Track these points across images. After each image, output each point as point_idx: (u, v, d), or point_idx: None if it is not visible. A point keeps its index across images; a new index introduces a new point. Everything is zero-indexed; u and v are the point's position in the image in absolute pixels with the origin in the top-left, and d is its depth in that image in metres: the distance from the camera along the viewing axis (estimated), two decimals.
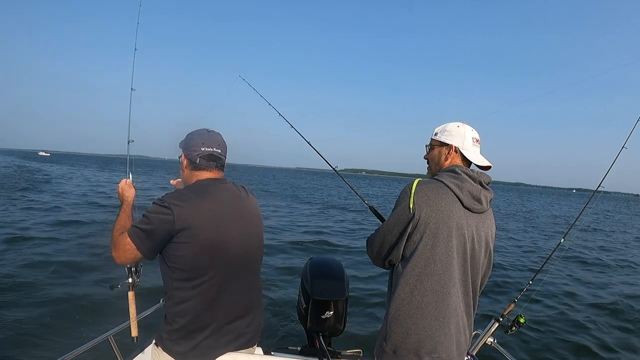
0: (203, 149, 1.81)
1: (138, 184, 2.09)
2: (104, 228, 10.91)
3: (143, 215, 1.69)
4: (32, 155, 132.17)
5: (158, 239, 1.65)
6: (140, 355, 2.46)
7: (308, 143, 2.99)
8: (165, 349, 1.73)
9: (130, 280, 2.09)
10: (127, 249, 1.68)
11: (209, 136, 1.85)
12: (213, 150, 1.82)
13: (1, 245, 8.35)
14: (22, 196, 17.16)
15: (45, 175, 32.60)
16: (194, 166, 1.83)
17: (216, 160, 1.84)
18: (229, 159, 1.93)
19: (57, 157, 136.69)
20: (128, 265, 2.05)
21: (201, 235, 1.66)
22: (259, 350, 1.93)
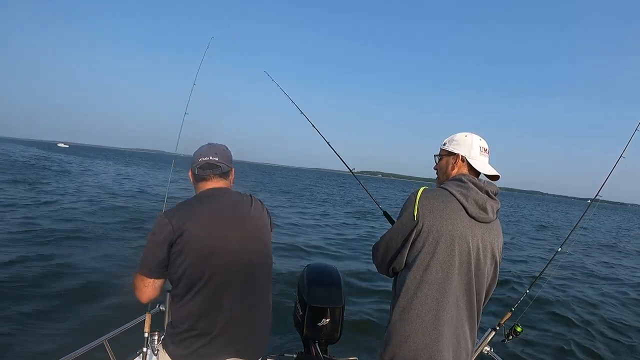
0: (201, 159, 1.87)
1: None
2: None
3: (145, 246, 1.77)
4: (51, 147, 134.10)
5: (164, 253, 1.71)
6: None
7: (327, 143, 2.95)
8: (167, 351, 1.78)
9: (145, 349, 2.15)
10: (142, 279, 1.75)
11: (209, 148, 1.91)
12: (210, 159, 1.86)
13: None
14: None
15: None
16: (196, 177, 1.89)
17: (213, 168, 1.87)
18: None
19: (76, 149, 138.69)
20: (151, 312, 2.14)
21: (197, 240, 1.70)
22: None
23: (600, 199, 2.69)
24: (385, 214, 2.43)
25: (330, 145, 2.94)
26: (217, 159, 1.87)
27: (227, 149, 1.96)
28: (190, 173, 1.93)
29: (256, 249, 1.85)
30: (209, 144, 1.94)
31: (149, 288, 1.76)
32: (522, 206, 65.63)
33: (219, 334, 1.74)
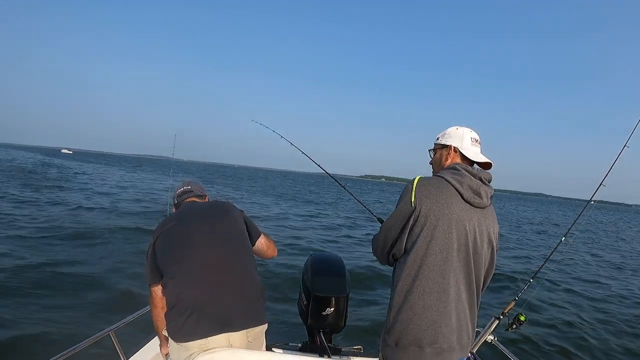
0: (178, 191, 2.33)
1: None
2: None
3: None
4: (55, 153, 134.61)
5: (154, 260, 1.99)
6: (141, 351, 2.50)
7: (318, 165, 3.32)
8: (169, 335, 1.91)
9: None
10: (152, 294, 2.03)
11: (183, 183, 2.37)
12: (184, 189, 2.31)
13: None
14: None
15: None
16: (176, 205, 2.28)
17: (188, 193, 2.30)
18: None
19: (80, 155, 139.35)
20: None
21: (170, 232, 2.00)
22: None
23: (604, 188, 2.68)
24: (380, 220, 2.46)
25: (323, 169, 3.30)
26: (190, 187, 2.32)
27: (200, 183, 2.41)
28: (173, 209, 2.30)
29: (229, 235, 2.04)
30: (182, 182, 2.41)
31: (152, 295, 2.03)
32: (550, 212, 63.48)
33: (199, 307, 1.84)
